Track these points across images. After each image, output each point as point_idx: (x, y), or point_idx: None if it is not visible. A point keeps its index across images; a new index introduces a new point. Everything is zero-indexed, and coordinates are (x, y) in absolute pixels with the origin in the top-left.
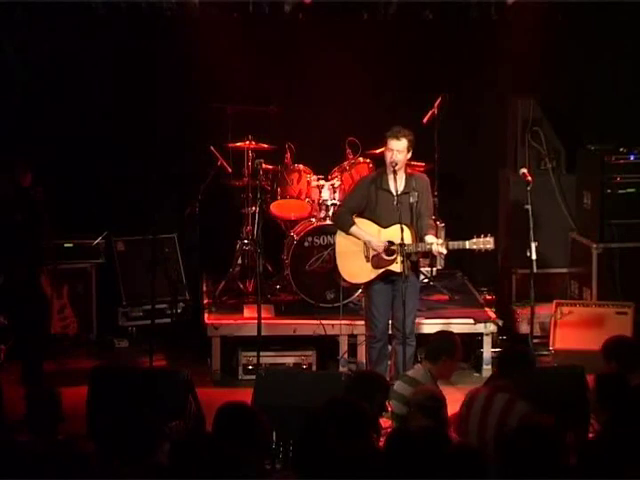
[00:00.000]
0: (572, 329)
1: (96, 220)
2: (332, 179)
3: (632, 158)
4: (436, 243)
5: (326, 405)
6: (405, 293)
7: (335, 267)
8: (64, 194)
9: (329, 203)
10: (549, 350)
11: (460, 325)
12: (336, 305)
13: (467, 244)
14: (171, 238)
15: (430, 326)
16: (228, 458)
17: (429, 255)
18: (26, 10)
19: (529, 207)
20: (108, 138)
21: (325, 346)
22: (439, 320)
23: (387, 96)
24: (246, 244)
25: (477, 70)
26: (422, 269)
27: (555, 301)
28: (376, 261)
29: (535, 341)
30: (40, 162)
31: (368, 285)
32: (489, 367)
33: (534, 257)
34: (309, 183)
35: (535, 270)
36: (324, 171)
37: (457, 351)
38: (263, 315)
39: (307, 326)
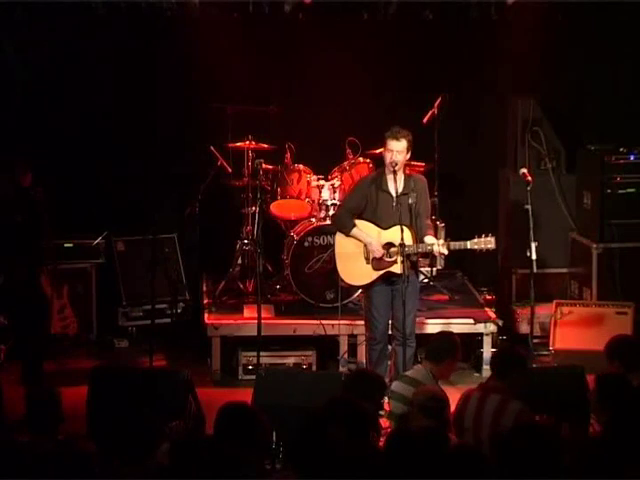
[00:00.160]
0: (572, 329)
1: (96, 220)
2: (332, 179)
3: (632, 158)
4: (437, 244)
5: (326, 405)
6: (405, 293)
7: (335, 268)
8: (64, 194)
9: (329, 203)
10: (549, 350)
11: (460, 325)
12: (336, 305)
13: (468, 244)
14: (171, 238)
15: (430, 326)
16: (228, 458)
17: (429, 255)
18: (26, 10)
19: (529, 207)
20: (108, 138)
21: (325, 346)
22: (439, 320)
23: (387, 96)
24: (246, 244)
25: (477, 70)
26: (422, 269)
27: (555, 301)
28: (377, 262)
29: (535, 341)
30: (40, 162)
31: (368, 286)
32: (489, 367)
33: (534, 257)
34: (309, 183)
35: (535, 270)
36: (324, 171)
37: (458, 352)
38: (263, 315)
39: (307, 326)
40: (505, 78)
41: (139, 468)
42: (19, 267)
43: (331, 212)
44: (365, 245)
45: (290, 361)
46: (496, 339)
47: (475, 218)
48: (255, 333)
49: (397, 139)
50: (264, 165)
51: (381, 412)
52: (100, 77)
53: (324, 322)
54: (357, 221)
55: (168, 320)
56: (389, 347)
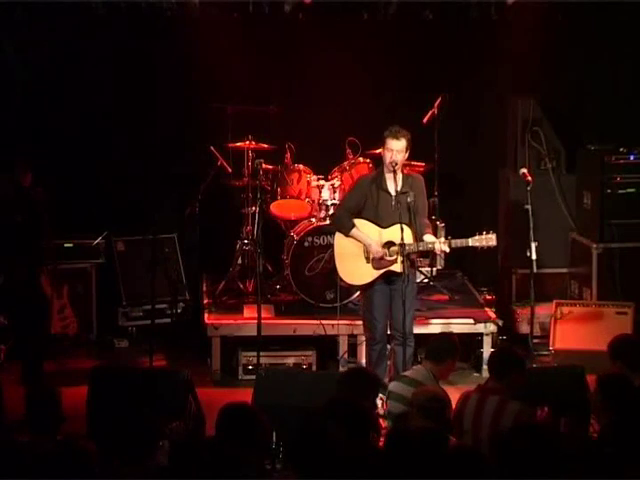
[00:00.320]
0: (572, 329)
1: (96, 220)
2: (332, 179)
3: (632, 158)
4: (439, 242)
5: (326, 405)
6: (405, 293)
7: (335, 268)
8: (64, 194)
9: (329, 203)
10: (549, 350)
11: (460, 325)
12: (336, 305)
13: (470, 241)
14: (171, 238)
15: (430, 326)
16: (228, 458)
17: (429, 255)
18: (26, 10)
19: (529, 207)
20: (108, 138)
21: (325, 346)
22: (439, 320)
23: (387, 96)
24: (246, 244)
25: (477, 70)
26: (422, 269)
27: (555, 301)
28: (377, 262)
29: (535, 341)
30: (40, 162)
31: (368, 286)
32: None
33: (534, 257)
34: (309, 183)
35: (535, 270)
36: (324, 171)
37: (459, 352)
38: (263, 315)
39: (307, 326)
40: (505, 78)
41: (139, 468)
42: (19, 267)
43: (331, 212)
44: (364, 245)
45: (290, 361)
46: (496, 339)
47: (475, 218)
48: (255, 333)
49: (397, 138)
50: (264, 165)
51: (380, 412)
52: (100, 77)
53: (324, 322)
54: (357, 221)
55: (168, 320)
56: (388, 346)
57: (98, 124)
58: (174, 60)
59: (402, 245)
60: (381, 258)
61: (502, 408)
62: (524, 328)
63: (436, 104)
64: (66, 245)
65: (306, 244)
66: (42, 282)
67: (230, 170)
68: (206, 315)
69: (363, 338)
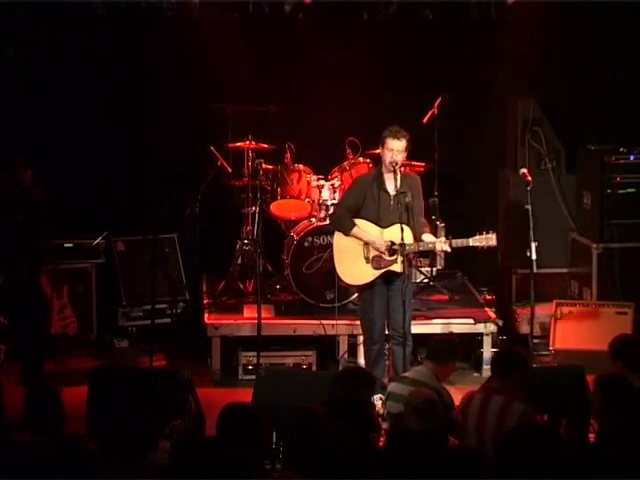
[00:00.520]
0: (572, 329)
1: (96, 220)
2: (332, 179)
3: (632, 158)
4: (440, 242)
5: (327, 404)
6: (405, 292)
7: (334, 268)
8: (64, 194)
9: (329, 203)
10: (549, 350)
11: (460, 325)
12: (336, 305)
13: (470, 241)
14: (171, 238)
15: (430, 326)
16: (228, 458)
17: (429, 255)
18: (26, 10)
19: (529, 207)
20: (108, 138)
21: (325, 346)
22: (439, 320)
23: (387, 96)
24: (246, 244)
25: (477, 70)
26: (422, 269)
27: (555, 301)
28: (377, 262)
29: (535, 341)
30: (40, 162)
31: (366, 286)
32: (489, 367)
33: (534, 257)
34: (309, 183)
35: (535, 270)
36: (324, 171)
37: (459, 353)
38: (263, 315)
39: (307, 326)
40: (505, 78)
41: (139, 468)
42: (19, 267)
43: (331, 212)
44: (365, 244)
45: (290, 361)
46: (496, 339)
47: (475, 218)
48: (255, 333)
49: (397, 138)
50: (264, 165)
51: (379, 412)
52: (100, 77)
53: (324, 322)
54: (357, 220)
55: (168, 320)
56: (386, 346)
57: (98, 124)
58: (174, 60)
59: (402, 245)
60: (380, 257)
61: (506, 408)
62: (524, 328)
63: (436, 104)
64: (66, 245)
65: (306, 244)
66: (42, 282)
67: (230, 170)
68: (206, 315)
69: (362, 338)
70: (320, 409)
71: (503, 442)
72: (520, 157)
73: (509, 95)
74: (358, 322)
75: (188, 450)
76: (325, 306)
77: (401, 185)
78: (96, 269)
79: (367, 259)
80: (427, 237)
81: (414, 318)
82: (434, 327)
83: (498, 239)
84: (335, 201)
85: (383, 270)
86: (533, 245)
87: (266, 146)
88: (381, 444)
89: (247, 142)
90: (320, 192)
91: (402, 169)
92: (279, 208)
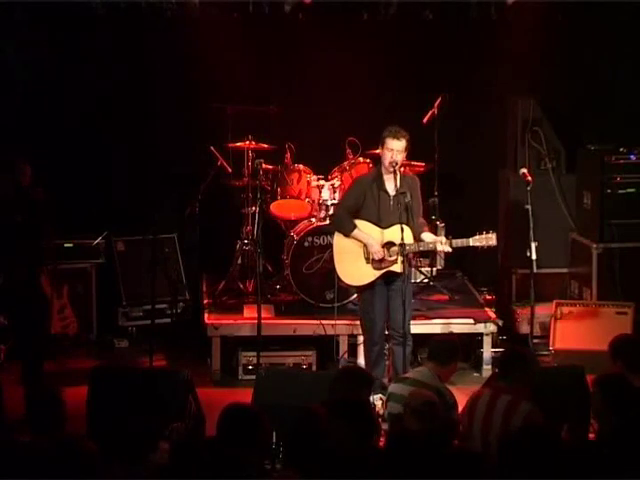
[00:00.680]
0: (572, 329)
1: (96, 220)
2: (332, 179)
3: (632, 158)
4: (440, 242)
5: (326, 405)
6: (405, 292)
7: (334, 268)
8: (64, 194)
9: (329, 203)
10: (549, 350)
11: (460, 325)
12: (337, 305)
13: (470, 241)
14: (171, 238)
15: (430, 326)
16: (228, 458)
17: (429, 255)
18: (26, 10)
19: (529, 207)
20: (108, 138)
21: (325, 346)
22: (439, 320)
23: (387, 96)
24: (246, 244)
25: (477, 70)
26: (422, 269)
27: (555, 301)
28: (378, 262)
29: (535, 341)
30: (40, 162)
31: (366, 287)
32: (489, 367)
33: (534, 257)
34: (309, 183)
35: (535, 270)
36: (324, 171)
37: (460, 354)
38: (263, 315)
39: (307, 326)
40: (505, 78)
41: (139, 468)
42: (19, 267)
43: (331, 212)
44: (365, 245)
45: (290, 361)
46: (496, 339)
47: (475, 218)
48: (255, 333)
49: (397, 138)
50: (264, 165)
51: (379, 412)
52: (100, 77)
53: (324, 322)
54: (357, 222)
55: (168, 320)
56: (386, 346)
57: (98, 124)
58: (174, 60)
59: (402, 245)
60: (380, 260)
61: (513, 408)
62: (524, 328)
63: (436, 104)
64: (66, 245)
65: (306, 244)
66: (42, 282)
67: (230, 170)
68: (206, 315)
69: (362, 338)
70: (320, 409)
71: (505, 442)
72: (520, 157)
73: (509, 95)
74: (358, 322)
75: (187, 450)
76: (325, 306)
77: (401, 185)
78: (96, 269)
79: (367, 259)
80: (427, 237)
81: (414, 318)
82: (434, 327)
83: (498, 239)
84: (335, 201)
85: (384, 270)
86: (533, 245)
87: (266, 146)
88: (381, 445)
89: (247, 142)
90: (320, 192)
91: (402, 169)
92: (279, 208)
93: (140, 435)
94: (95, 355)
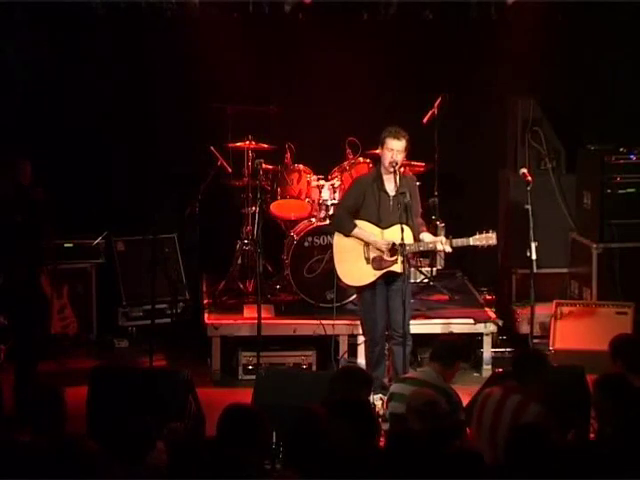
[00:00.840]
0: (572, 329)
1: (96, 220)
2: (332, 179)
3: (632, 158)
4: (441, 242)
5: (326, 404)
6: (405, 292)
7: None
8: (64, 194)
9: (329, 203)
10: (549, 350)
11: (460, 325)
12: (336, 305)
13: (471, 241)
14: (171, 238)
15: (430, 326)
16: (228, 458)
17: (429, 255)
18: (26, 10)
19: (529, 207)
20: (108, 138)
21: (325, 346)
22: (439, 320)
23: (387, 96)
24: (246, 244)
25: (477, 70)
26: (422, 269)
27: (555, 301)
28: (378, 262)
29: (535, 341)
30: (40, 162)
31: (367, 287)
32: (489, 367)
33: (534, 257)
34: (309, 183)
35: (535, 270)
36: (324, 171)
37: (464, 354)
38: (263, 315)
39: (307, 326)
40: (505, 78)
41: (138, 468)
42: (19, 267)
43: (331, 212)
44: (365, 245)
45: (290, 361)
46: (496, 339)
47: (475, 218)
48: (255, 333)
49: (397, 138)
50: (264, 165)
51: (379, 412)
52: (100, 77)
53: (324, 322)
54: (357, 221)
55: (168, 320)
56: (386, 346)
57: (98, 124)
58: (174, 60)
59: (402, 245)
60: (381, 258)
61: (522, 408)
62: (524, 328)
63: (436, 104)
64: (66, 245)
65: (306, 244)
66: (42, 282)
67: (230, 170)
68: (206, 315)
69: (362, 338)
70: (320, 409)
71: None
72: (520, 157)
73: (509, 95)
74: (358, 322)
75: (187, 450)
76: (325, 306)
77: (400, 185)
78: (96, 269)
79: (367, 259)
80: (426, 237)
81: (414, 318)
82: (434, 327)
83: (498, 239)
84: (335, 201)
85: (384, 270)
86: (533, 245)
87: (266, 146)
88: (381, 445)
89: (247, 142)
90: (320, 192)
91: (401, 169)
92: (279, 208)
93: (140, 435)
94: (95, 355)
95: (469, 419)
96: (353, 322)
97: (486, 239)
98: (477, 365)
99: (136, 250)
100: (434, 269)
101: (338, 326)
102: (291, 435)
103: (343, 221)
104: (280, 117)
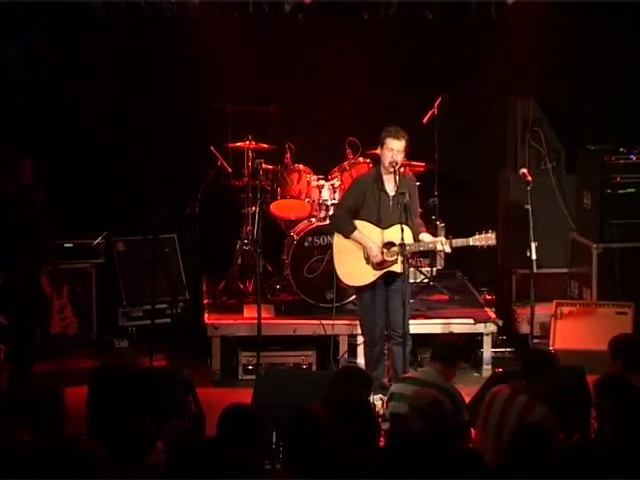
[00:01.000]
0: (572, 329)
1: (96, 220)
2: (332, 179)
3: (632, 158)
4: (440, 242)
5: (326, 404)
6: (404, 292)
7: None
8: (64, 194)
9: (329, 203)
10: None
11: (460, 325)
12: (336, 305)
13: (470, 241)
14: (171, 238)
15: (430, 326)
16: (228, 458)
17: (429, 255)
18: (26, 10)
19: (529, 207)
20: (108, 138)
21: (325, 346)
22: (439, 320)
23: (387, 96)
24: (246, 244)
25: (477, 70)
26: (422, 269)
27: (555, 301)
28: (378, 262)
29: (535, 341)
30: (40, 162)
31: (367, 287)
32: (489, 367)
33: (534, 257)
34: (309, 183)
35: (535, 270)
36: (324, 171)
37: (465, 354)
38: (263, 315)
39: (307, 326)
40: (505, 78)
41: (139, 468)
42: (19, 267)
43: (331, 212)
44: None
45: (290, 361)
46: (496, 339)
47: (475, 218)
48: (255, 333)
49: (397, 138)
50: (264, 165)
51: (379, 412)
52: (100, 77)
53: (324, 322)
54: (357, 222)
55: (168, 320)
56: (385, 345)
57: (98, 124)
58: (174, 60)
59: (402, 245)
60: (379, 263)
61: (529, 409)
62: (524, 328)
63: (436, 104)
64: (66, 245)
65: (306, 244)
66: (42, 282)
67: (230, 170)
68: (206, 315)
69: (362, 338)
70: (320, 409)
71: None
72: (520, 157)
73: (509, 95)
74: (358, 322)
75: (187, 450)
76: (325, 306)
77: (400, 185)
78: (96, 269)
79: (367, 260)
80: (426, 237)
81: (414, 318)
82: (434, 327)
83: (498, 239)
84: (335, 201)
85: (384, 271)
86: (533, 245)
87: (266, 146)
88: (381, 445)
89: (247, 142)
90: (320, 192)
91: (401, 169)
92: (279, 208)
93: (139, 435)
94: (95, 355)
95: (474, 418)
96: (353, 322)
97: (486, 239)
98: (477, 365)
99: (136, 250)
100: (434, 269)
101: (338, 326)
102: (291, 435)
103: (343, 222)
104: (280, 117)
